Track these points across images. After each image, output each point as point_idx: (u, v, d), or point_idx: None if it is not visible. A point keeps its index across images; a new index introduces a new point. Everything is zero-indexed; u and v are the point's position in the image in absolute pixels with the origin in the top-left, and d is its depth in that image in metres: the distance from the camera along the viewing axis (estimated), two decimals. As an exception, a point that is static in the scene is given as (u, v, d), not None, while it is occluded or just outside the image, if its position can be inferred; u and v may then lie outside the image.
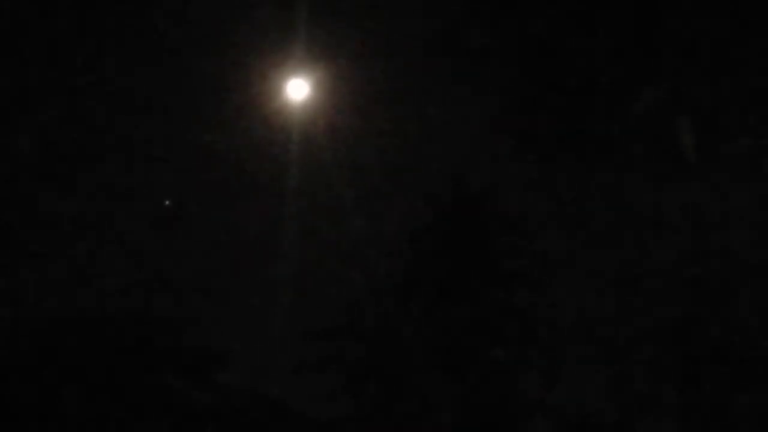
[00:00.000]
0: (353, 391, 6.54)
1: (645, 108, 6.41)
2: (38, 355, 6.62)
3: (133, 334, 6.80)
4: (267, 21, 6.53)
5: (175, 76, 6.35)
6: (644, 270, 6.26)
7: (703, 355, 6.32)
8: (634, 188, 6.34)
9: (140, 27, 6.80)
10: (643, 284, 6.28)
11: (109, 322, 6.95)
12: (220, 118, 6.40)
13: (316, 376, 6.08)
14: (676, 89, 6.34)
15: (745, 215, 6.25)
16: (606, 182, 6.44)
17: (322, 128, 6.32)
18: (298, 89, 6.22)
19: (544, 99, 6.36)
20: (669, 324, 6.22)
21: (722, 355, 6.23)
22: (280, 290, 6.20)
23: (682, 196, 6.23)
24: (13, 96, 6.33)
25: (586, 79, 6.31)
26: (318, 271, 6.18)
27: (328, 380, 6.29)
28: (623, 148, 6.53)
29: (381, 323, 6.44)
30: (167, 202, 6.41)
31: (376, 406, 6.26)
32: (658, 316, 6.25)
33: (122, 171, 6.24)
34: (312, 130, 6.30)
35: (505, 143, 6.88)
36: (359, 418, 6.60)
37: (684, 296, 6.16)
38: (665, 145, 6.48)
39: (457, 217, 6.77)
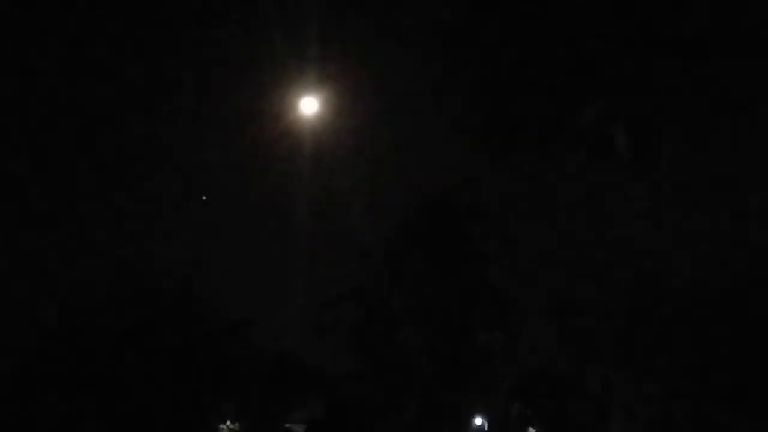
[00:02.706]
0: (354, 350, 8.07)
1: (590, 119, 7.78)
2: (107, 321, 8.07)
3: (183, 303, 8.28)
4: (284, 49, 7.88)
5: (210, 97, 7.74)
6: (587, 250, 7.69)
7: (637, 316, 7.79)
8: (580, 181, 7.73)
9: (172, 53, 8.17)
10: (588, 260, 7.70)
11: (165, 294, 8.41)
12: (244, 130, 7.80)
13: (329, 336, 7.61)
14: (613, 106, 7.70)
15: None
16: (560, 178, 7.83)
17: (329, 138, 7.72)
18: (309, 105, 7.59)
19: (514, 116, 7.70)
20: (606, 294, 7.68)
21: (650, 315, 7.69)
22: (299, 270, 7.70)
23: (617, 187, 7.63)
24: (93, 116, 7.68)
25: (546, 99, 7.67)
26: (328, 254, 7.65)
27: (336, 340, 7.83)
28: (574, 150, 7.91)
29: (377, 294, 7.92)
30: (204, 198, 7.88)
31: (372, 360, 7.77)
32: (599, 285, 7.71)
33: (171, 175, 7.69)
34: (321, 140, 7.69)
35: (484, 151, 8.28)
36: (358, 374, 8.11)
37: (618, 269, 7.62)
38: (606, 147, 7.86)
39: (439, 207, 8.22)
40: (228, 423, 8.20)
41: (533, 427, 8.35)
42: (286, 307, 7.82)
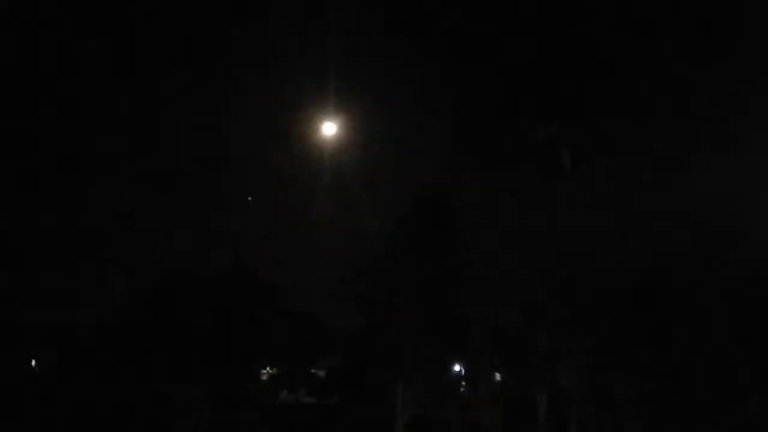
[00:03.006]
0: (363, 314, 10.52)
1: (540, 140, 10.11)
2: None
3: (227, 278, 10.68)
4: (309, 85, 10.11)
5: (252, 121, 9.97)
6: (539, 239, 10.07)
7: (577, 288, 10.20)
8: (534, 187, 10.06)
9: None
10: (540, 247, 10.09)
11: (212, 272, 10.81)
12: (279, 147, 10.10)
13: (344, 303, 10.10)
14: (562, 129, 10.02)
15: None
16: (519, 184, 10.16)
17: (345, 153, 10.02)
18: (329, 129, 9.85)
19: (485, 138, 10.04)
20: (553, 272, 10.11)
21: (587, 287, 10.12)
22: (322, 253, 10.14)
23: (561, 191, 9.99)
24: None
25: (507, 125, 9.99)
26: (344, 242, 10.07)
27: (349, 306, 10.31)
28: (529, 162, 10.27)
29: (380, 272, 10.35)
30: (249, 198, 10.28)
31: (376, 321, 10.24)
32: (548, 265, 10.12)
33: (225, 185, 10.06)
34: (338, 155, 9.99)
35: (464, 163, 10.60)
36: (366, 332, 10.56)
37: (562, 254, 10.02)
38: (553, 161, 10.20)
39: (429, 204, 10.59)
40: (267, 369, 10.75)
41: (498, 372, 10.92)
42: (312, 280, 10.27)
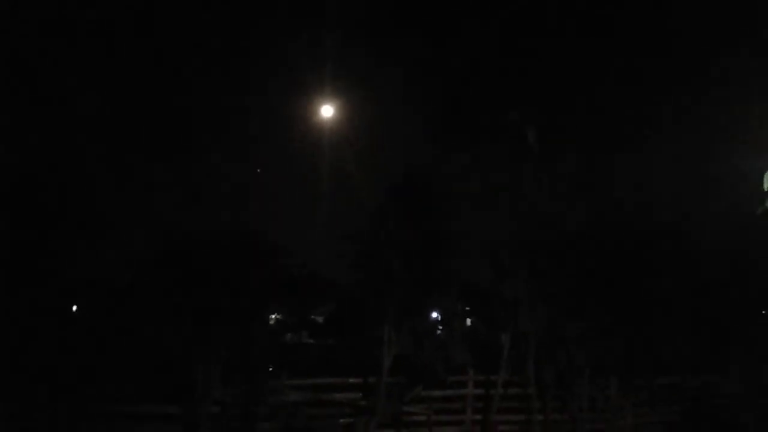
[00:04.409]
0: (355, 268, 12.18)
1: (510, 120, 11.69)
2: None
3: (235, 239, 12.30)
4: (307, 67, 11.55)
5: (261, 102, 11.40)
6: (507, 210, 11.76)
7: (539, 248, 11.93)
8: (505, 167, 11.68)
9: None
10: (507, 217, 11.78)
11: (221, 233, 12.40)
12: (282, 128, 11.58)
13: (340, 259, 11.77)
14: (527, 113, 11.60)
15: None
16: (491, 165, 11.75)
17: (340, 133, 11.52)
18: (327, 111, 11.31)
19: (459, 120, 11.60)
20: (517, 235, 11.84)
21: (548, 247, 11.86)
22: (320, 216, 11.76)
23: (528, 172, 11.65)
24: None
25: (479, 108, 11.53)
26: (339, 208, 11.66)
27: (344, 262, 11.98)
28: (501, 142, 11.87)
29: (371, 234, 11.98)
30: (258, 170, 11.83)
31: (367, 275, 11.89)
32: (513, 230, 11.84)
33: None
34: (335, 135, 11.49)
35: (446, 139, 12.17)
36: (358, 284, 12.23)
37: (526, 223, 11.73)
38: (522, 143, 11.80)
39: (414, 178, 12.16)
40: (274, 315, 12.53)
41: (469, 318, 12.79)
42: (312, 242, 11.95)
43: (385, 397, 10.92)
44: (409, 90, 11.54)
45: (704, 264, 12.59)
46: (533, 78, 11.28)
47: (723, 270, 12.57)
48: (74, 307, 11.68)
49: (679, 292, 11.97)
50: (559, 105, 11.53)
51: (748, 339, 12.26)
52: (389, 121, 11.61)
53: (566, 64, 11.48)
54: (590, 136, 11.73)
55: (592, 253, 11.81)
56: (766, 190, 13.02)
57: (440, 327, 12.49)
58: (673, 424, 12.32)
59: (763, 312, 13.49)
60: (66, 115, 10.42)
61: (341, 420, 10.85)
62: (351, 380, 11.17)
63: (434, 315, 12.67)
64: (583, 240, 11.92)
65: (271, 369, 11.32)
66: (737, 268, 12.68)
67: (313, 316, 12.90)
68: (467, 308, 12.55)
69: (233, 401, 10.48)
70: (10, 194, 10.06)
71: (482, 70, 11.49)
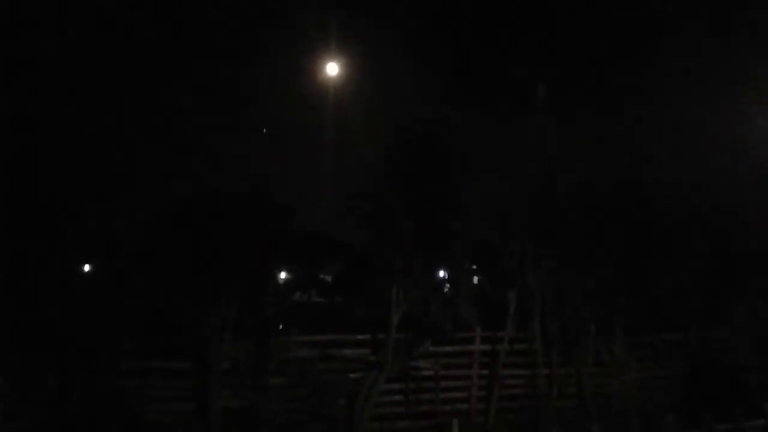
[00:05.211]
0: (363, 228, 12.22)
1: (519, 76, 11.58)
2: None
3: (246, 200, 12.32)
4: (315, 30, 11.41)
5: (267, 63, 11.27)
6: (512, 165, 11.72)
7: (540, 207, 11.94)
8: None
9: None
10: (511, 172, 11.75)
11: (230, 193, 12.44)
12: (288, 85, 11.49)
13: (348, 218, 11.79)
14: (536, 69, 11.46)
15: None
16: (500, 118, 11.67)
17: (346, 90, 11.42)
18: (332, 69, 11.20)
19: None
20: (521, 193, 11.83)
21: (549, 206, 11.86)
22: (327, 176, 11.77)
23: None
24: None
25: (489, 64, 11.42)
26: (346, 167, 11.65)
27: (352, 221, 12.01)
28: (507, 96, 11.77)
29: (378, 193, 11.97)
30: (264, 130, 11.77)
31: (374, 234, 11.94)
32: (517, 187, 11.82)
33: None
34: (340, 92, 11.39)
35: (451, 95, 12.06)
36: (365, 243, 12.29)
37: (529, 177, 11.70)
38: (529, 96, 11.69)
39: (419, 135, 12.09)
40: (284, 274, 12.64)
41: (477, 276, 12.88)
42: (319, 200, 11.98)
43: (394, 353, 11.05)
44: (416, 45, 11.43)
45: (713, 222, 12.60)
46: (542, 32, 11.13)
47: (731, 226, 12.58)
48: (86, 267, 11.82)
49: (686, 248, 11.99)
50: (571, 59, 11.39)
51: (754, 293, 12.32)
52: (395, 78, 11.54)
53: (579, 16, 11.31)
54: (601, 91, 11.61)
55: (598, 208, 11.79)
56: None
57: (447, 285, 12.57)
58: (676, 378, 12.48)
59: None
60: (74, 68, 10.37)
61: (351, 375, 11.00)
62: (360, 337, 11.29)
63: (441, 273, 12.75)
64: (589, 196, 11.89)
65: (281, 327, 11.46)
66: (745, 225, 12.69)
67: (321, 276, 13.02)
68: (474, 266, 12.62)
69: (244, 357, 10.64)
70: (18, 151, 10.09)
71: (490, 23, 11.32)
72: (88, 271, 11.87)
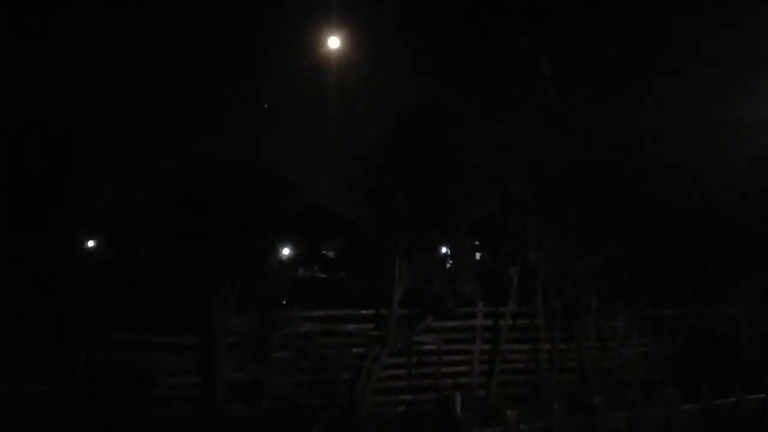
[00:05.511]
0: (364, 204, 12.24)
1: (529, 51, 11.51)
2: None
3: (250, 175, 12.33)
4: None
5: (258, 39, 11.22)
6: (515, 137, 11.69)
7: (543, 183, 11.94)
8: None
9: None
10: (513, 145, 11.73)
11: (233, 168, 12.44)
12: (291, 58, 11.43)
13: (349, 195, 11.81)
14: (541, 48, 11.37)
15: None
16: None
17: (347, 65, 11.38)
18: (334, 42, 11.14)
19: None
20: (523, 168, 11.81)
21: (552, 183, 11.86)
22: (329, 154, 11.75)
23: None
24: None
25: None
26: (347, 145, 11.62)
27: (353, 198, 12.03)
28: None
29: (379, 171, 11.97)
30: (265, 105, 11.76)
31: (375, 211, 11.95)
32: (520, 161, 11.80)
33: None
34: (341, 66, 11.35)
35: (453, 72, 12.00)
36: (367, 219, 12.31)
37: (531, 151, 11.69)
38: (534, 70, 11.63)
39: (418, 115, 12.06)
40: (287, 250, 12.68)
41: (479, 252, 12.91)
42: (321, 176, 11.99)
43: (396, 328, 11.11)
44: (418, 17, 11.35)
45: (714, 200, 12.60)
46: (546, 6, 11.04)
47: (732, 204, 12.59)
48: (90, 243, 11.86)
49: (687, 225, 12.01)
50: (574, 35, 11.32)
51: (754, 269, 12.35)
52: (396, 53, 11.48)
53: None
54: (604, 69, 11.55)
55: (600, 185, 11.78)
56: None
57: (450, 261, 12.61)
58: (676, 352, 12.55)
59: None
60: (76, 44, 10.34)
61: (354, 349, 11.07)
62: (363, 312, 11.35)
63: (444, 249, 12.79)
64: (592, 172, 11.88)
65: (284, 302, 11.51)
66: (746, 203, 12.70)
67: (324, 252, 13.06)
68: (476, 242, 12.65)
69: (248, 331, 10.70)
70: (21, 127, 10.08)
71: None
72: (92, 247, 11.90)
